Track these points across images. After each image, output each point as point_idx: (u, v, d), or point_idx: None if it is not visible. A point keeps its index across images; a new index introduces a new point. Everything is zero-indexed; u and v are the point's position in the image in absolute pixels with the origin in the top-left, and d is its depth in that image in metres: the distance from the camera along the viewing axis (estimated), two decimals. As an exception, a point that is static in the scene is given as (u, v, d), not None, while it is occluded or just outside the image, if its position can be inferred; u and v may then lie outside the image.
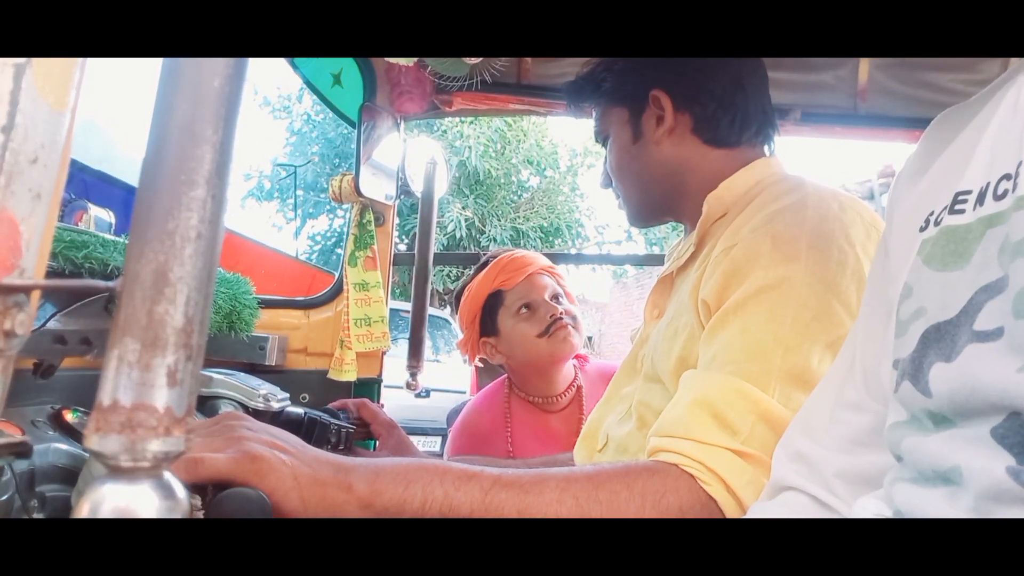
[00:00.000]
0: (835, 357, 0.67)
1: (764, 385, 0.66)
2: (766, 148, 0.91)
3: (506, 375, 1.61)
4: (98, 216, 1.00)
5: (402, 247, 8.55)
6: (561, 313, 1.46)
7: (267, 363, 1.26)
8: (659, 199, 0.95)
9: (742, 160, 0.87)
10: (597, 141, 1.00)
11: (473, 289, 1.50)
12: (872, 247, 0.74)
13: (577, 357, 1.57)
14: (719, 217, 0.85)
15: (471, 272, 1.58)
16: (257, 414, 0.90)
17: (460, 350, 1.60)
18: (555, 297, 1.49)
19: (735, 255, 0.74)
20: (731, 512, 0.62)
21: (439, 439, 6.39)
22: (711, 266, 0.76)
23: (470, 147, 10.81)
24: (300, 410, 0.99)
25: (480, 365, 1.60)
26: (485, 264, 1.53)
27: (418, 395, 1.31)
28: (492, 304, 1.50)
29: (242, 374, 0.98)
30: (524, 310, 1.47)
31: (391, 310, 1.42)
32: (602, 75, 0.95)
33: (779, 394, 0.66)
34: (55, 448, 0.66)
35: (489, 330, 1.52)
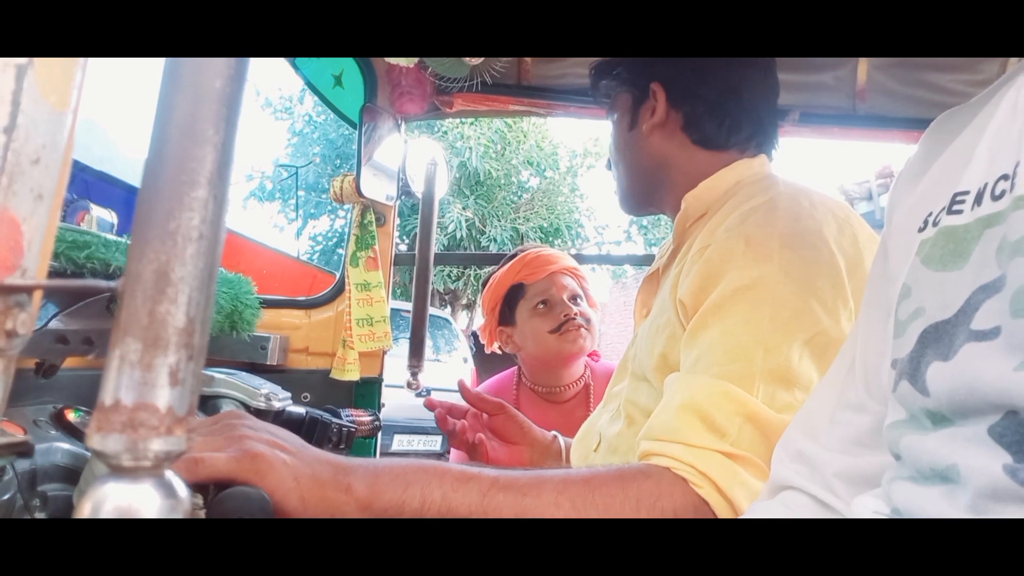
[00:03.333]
0: (814, 354, 0.69)
1: (748, 386, 0.67)
2: (761, 154, 0.92)
3: (517, 365, 1.67)
4: (100, 216, 1.00)
5: (403, 247, 8.56)
6: (575, 314, 1.50)
7: (268, 363, 1.26)
8: (644, 188, 0.97)
9: (727, 163, 0.89)
10: (609, 119, 1.02)
11: (497, 279, 1.57)
12: (846, 242, 0.75)
13: (590, 355, 1.62)
14: (699, 216, 0.87)
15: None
16: (259, 413, 0.90)
17: (480, 335, 1.67)
18: (574, 298, 1.55)
19: (710, 256, 0.75)
20: (723, 513, 0.63)
21: (439, 438, 6.40)
22: (688, 265, 0.78)
23: (470, 148, 10.81)
24: (301, 410, 0.99)
25: (500, 352, 1.65)
26: (514, 256, 1.59)
27: (419, 394, 1.32)
28: (513, 295, 1.57)
29: (244, 374, 0.98)
30: (541, 306, 1.52)
31: (392, 310, 1.43)
32: (618, 60, 0.99)
33: (763, 394, 0.67)
34: (57, 447, 0.66)
35: (507, 320, 1.59)
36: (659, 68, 0.91)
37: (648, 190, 0.96)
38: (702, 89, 0.89)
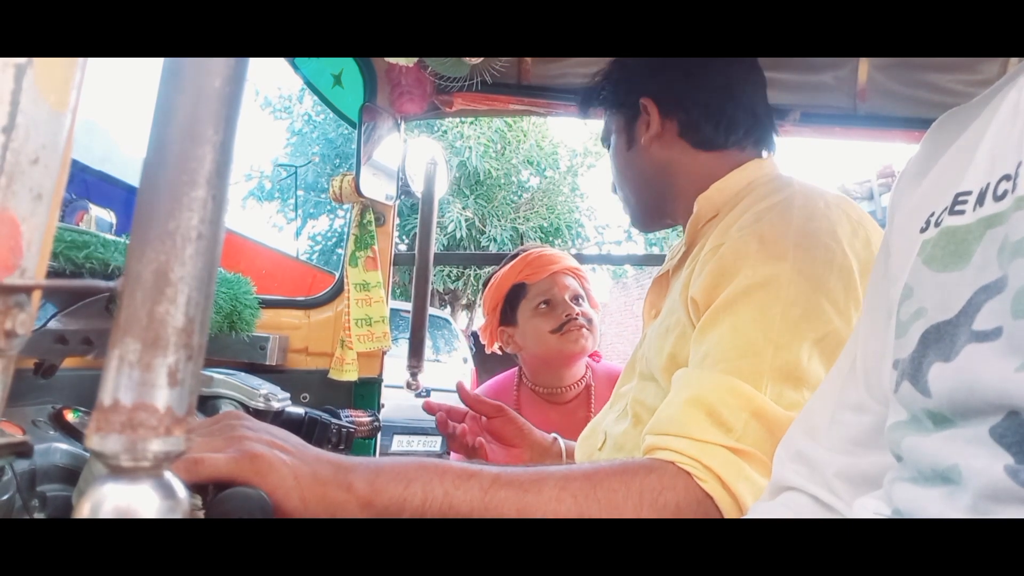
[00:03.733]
0: (824, 354, 0.69)
1: (756, 382, 0.67)
2: (763, 150, 0.93)
3: (518, 366, 1.67)
4: (99, 216, 1.00)
5: (402, 247, 8.55)
6: (577, 314, 1.50)
7: (268, 363, 1.26)
8: (654, 202, 0.97)
9: (731, 162, 0.89)
10: (604, 146, 1.03)
11: (499, 279, 1.57)
12: (859, 244, 0.76)
13: (592, 355, 1.62)
14: (711, 218, 0.87)
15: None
16: (258, 414, 0.90)
17: (481, 335, 1.66)
18: (576, 298, 1.56)
19: (723, 254, 0.75)
20: (727, 508, 0.62)
21: (439, 439, 6.39)
22: (700, 264, 0.78)
23: (470, 147, 10.81)
24: (300, 410, 0.99)
25: (501, 352, 1.64)
26: (515, 256, 1.60)
27: (418, 395, 1.32)
28: (514, 295, 1.57)
29: (243, 374, 0.98)
30: (543, 305, 1.52)
31: (391, 310, 1.42)
32: (602, 84, 1.00)
33: (771, 391, 0.67)
34: (56, 448, 0.66)
35: (508, 320, 1.59)
36: (645, 82, 0.92)
37: (658, 202, 0.97)
38: (691, 93, 0.90)
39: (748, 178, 0.87)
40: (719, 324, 0.71)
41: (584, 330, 1.52)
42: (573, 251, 1.76)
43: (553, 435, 1.15)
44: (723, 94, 0.90)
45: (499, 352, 1.65)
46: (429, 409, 1.14)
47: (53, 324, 0.71)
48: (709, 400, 0.66)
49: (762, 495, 0.59)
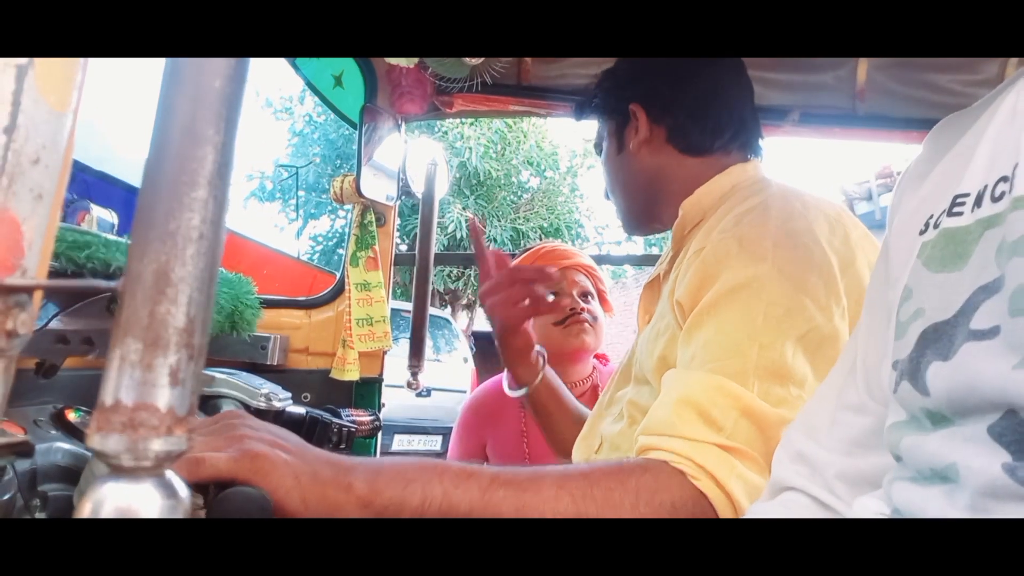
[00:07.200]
0: (808, 350, 0.70)
1: (743, 381, 0.68)
2: (748, 154, 0.94)
3: None
4: (100, 216, 1.00)
5: (403, 247, 8.56)
6: (581, 309, 1.50)
7: (269, 363, 1.26)
8: (644, 207, 0.99)
9: (718, 166, 0.91)
10: (596, 153, 1.05)
11: None
12: (837, 241, 0.77)
13: (598, 356, 1.61)
14: (697, 223, 0.88)
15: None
16: (259, 413, 0.90)
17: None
18: (584, 295, 1.56)
19: (705, 257, 0.76)
20: (721, 506, 0.63)
21: (439, 438, 6.41)
22: (684, 268, 0.79)
23: (471, 148, 10.81)
24: (302, 409, 1.00)
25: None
26: (530, 249, 1.61)
27: (419, 394, 1.32)
28: None
29: (244, 374, 0.98)
30: (549, 297, 1.52)
31: (392, 310, 1.43)
32: (594, 92, 1.02)
33: (758, 389, 0.68)
34: (57, 447, 0.66)
35: None
36: (634, 89, 0.94)
37: (647, 207, 0.98)
38: (679, 98, 0.92)
39: (731, 182, 0.89)
40: (704, 325, 0.72)
41: (586, 325, 1.52)
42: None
43: (537, 348, 1.14)
44: (709, 98, 0.92)
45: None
46: (474, 229, 1.10)
47: (54, 324, 0.72)
48: (698, 400, 0.67)
49: (762, 495, 0.59)
